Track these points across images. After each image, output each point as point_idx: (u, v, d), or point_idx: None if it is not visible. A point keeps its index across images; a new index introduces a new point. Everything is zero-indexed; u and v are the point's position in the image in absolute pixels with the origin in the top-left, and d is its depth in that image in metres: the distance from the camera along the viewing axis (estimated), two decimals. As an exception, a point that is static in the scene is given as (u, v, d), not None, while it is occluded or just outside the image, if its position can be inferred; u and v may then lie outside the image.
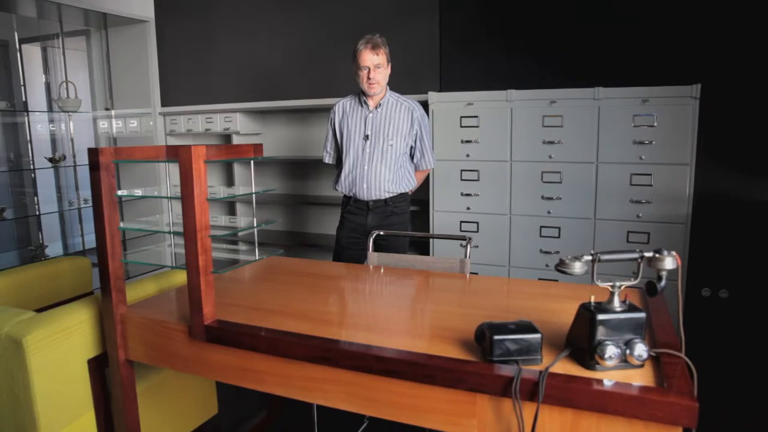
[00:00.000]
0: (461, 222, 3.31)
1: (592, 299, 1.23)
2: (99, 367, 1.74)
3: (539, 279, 3.12)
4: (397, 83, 3.67)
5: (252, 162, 1.65)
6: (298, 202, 4.15)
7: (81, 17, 4.19)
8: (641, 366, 1.19)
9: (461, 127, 3.22)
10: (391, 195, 2.71)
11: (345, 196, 2.81)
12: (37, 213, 4.36)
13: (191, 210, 1.41)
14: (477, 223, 3.27)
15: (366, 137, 2.68)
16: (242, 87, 4.25)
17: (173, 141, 4.54)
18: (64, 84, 4.27)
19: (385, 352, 1.25)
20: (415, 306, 1.75)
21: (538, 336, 1.22)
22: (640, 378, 1.15)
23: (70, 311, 1.68)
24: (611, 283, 1.21)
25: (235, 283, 1.93)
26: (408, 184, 2.77)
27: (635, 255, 1.21)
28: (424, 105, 3.36)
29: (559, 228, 3.06)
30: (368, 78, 2.56)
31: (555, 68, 3.21)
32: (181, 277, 2.06)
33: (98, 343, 1.73)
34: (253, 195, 1.65)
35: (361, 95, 2.70)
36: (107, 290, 1.61)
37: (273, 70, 4.13)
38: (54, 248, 4.48)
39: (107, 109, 4.37)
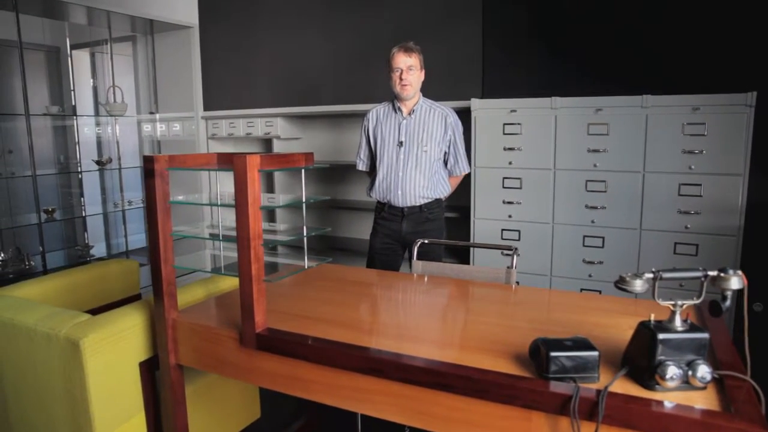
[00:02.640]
0: (502, 230, 3.27)
1: (652, 317, 1.20)
2: (150, 369, 1.79)
3: (581, 289, 3.07)
4: (440, 90, 3.66)
5: (303, 171, 1.67)
6: (331, 206, 4.18)
7: (128, 23, 4.32)
8: (704, 388, 1.15)
9: (504, 134, 3.19)
10: (426, 201, 2.71)
11: (379, 202, 2.82)
12: (83, 214, 4.51)
13: (245, 218, 1.43)
14: (519, 231, 3.23)
15: (400, 143, 2.69)
16: (283, 92, 4.30)
17: (215, 145, 4.63)
18: (111, 89, 4.40)
19: (438, 365, 1.25)
20: (462, 317, 1.74)
21: (595, 354, 1.19)
22: (702, 401, 1.11)
23: (123, 315, 1.73)
24: (672, 302, 1.17)
25: (282, 290, 1.95)
26: (443, 190, 2.77)
27: (699, 273, 1.17)
28: (467, 112, 3.35)
29: (603, 238, 3.00)
30: (401, 79, 2.59)
31: (601, 75, 3.15)
32: (227, 283, 2.09)
33: (149, 347, 1.77)
34: (304, 204, 1.66)
35: (395, 102, 2.72)
36: (159, 295, 1.65)
37: (313, 75, 4.17)
38: (99, 248, 4.61)
39: (152, 113, 4.48)
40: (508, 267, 2.10)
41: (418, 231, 2.70)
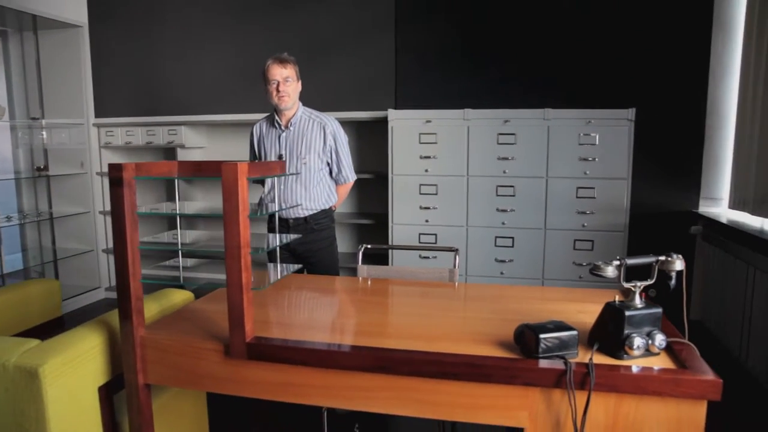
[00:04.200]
0: (420, 234, 3.46)
1: (617, 298, 1.41)
2: (108, 394, 1.66)
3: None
4: (354, 100, 3.78)
5: (275, 179, 1.67)
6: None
7: (-2, 17, 3.84)
8: (658, 354, 1.38)
9: (420, 143, 3.39)
10: (311, 213, 2.67)
11: (269, 215, 2.75)
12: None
13: (235, 227, 1.42)
14: (435, 234, 3.44)
15: (280, 157, 2.67)
16: (185, 99, 4.12)
17: (109, 154, 4.29)
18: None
19: (445, 357, 1.35)
20: (437, 314, 1.84)
21: (575, 333, 1.37)
22: (661, 363, 1.34)
23: (80, 337, 1.59)
24: (633, 283, 1.40)
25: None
26: (327, 200, 2.74)
27: (652, 259, 1.41)
28: (382, 122, 3.50)
29: (513, 238, 3.31)
30: (278, 91, 2.56)
31: (508, 89, 3.49)
32: (179, 297, 2.00)
33: (107, 370, 1.65)
34: (277, 213, 1.67)
35: (274, 115, 2.68)
36: (127, 312, 1.55)
37: (219, 83, 4.05)
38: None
39: (34, 118, 4.02)
40: (450, 268, 2.27)
41: (306, 241, 2.66)
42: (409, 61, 3.68)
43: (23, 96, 4.23)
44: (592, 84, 3.36)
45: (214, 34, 4.00)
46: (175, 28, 4.07)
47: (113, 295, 4.34)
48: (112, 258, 4.40)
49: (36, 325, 2.11)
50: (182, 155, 4.08)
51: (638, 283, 1.40)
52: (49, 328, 2.15)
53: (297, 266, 1.78)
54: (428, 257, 3.45)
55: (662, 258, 1.41)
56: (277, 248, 1.68)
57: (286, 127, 2.66)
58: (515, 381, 1.31)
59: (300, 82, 2.65)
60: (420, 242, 3.48)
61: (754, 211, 2.83)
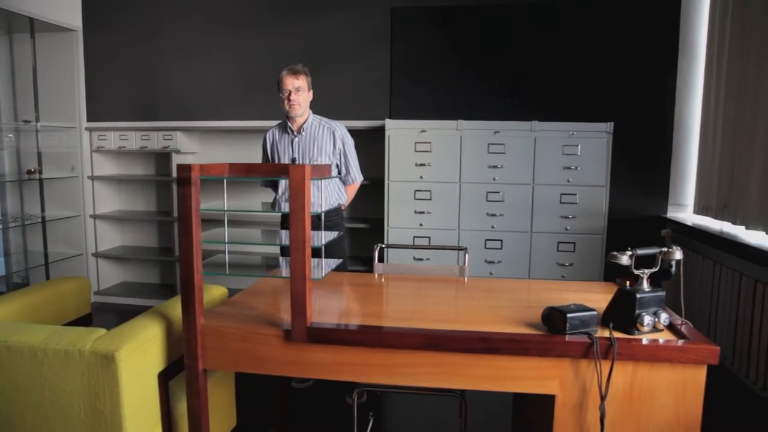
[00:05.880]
0: (414, 237, 3.67)
1: (628, 284, 1.66)
2: (165, 380, 1.78)
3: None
4: (349, 109, 3.97)
5: (321, 182, 1.84)
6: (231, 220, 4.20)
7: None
8: (662, 330, 1.64)
9: (415, 151, 3.61)
10: (323, 210, 2.86)
11: (282, 214, 2.99)
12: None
13: (301, 223, 1.58)
14: (429, 237, 3.66)
15: (293, 160, 2.87)
16: (181, 105, 4.20)
17: (101, 159, 4.31)
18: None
19: (491, 334, 1.56)
20: (464, 303, 2.05)
21: (594, 313, 1.61)
22: (666, 337, 1.59)
23: (143, 326, 1.71)
24: (641, 271, 1.65)
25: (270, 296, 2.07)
26: (338, 199, 2.95)
27: (656, 250, 1.67)
28: (378, 131, 3.71)
29: (502, 240, 3.57)
30: (289, 100, 2.76)
31: (499, 102, 3.77)
32: (217, 291, 2.14)
33: (165, 357, 1.77)
34: (323, 213, 1.84)
35: (286, 121, 2.88)
36: (190, 302, 1.68)
37: (215, 91, 4.16)
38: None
39: (26, 121, 4.00)
40: (461, 265, 2.49)
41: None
42: (403, 73, 3.90)
43: (11, 98, 4.21)
44: (575, 100, 3.69)
45: (211, 41, 4.11)
46: (171, 35, 4.16)
47: (102, 299, 4.34)
48: (101, 262, 4.40)
49: (71, 320, 2.19)
50: (177, 160, 4.15)
51: (645, 270, 1.66)
52: (83, 323, 2.23)
53: (338, 261, 1.96)
54: (422, 258, 3.67)
55: (665, 249, 1.67)
56: (322, 245, 1.85)
57: (298, 132, 2.84)
58: (549, 354, 1.53)
59: (311, 92, 2.84)
60: (414, 245, 3.68)
61: (716, 216, 3.19)
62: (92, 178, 4.28)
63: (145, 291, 4.37)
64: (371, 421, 2.60)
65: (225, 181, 1.90)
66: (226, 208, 1.91)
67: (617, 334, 1.58)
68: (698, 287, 3.13)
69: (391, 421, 2.77)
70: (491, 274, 3.60)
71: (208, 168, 1.78)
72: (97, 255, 4.34)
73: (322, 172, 1.76)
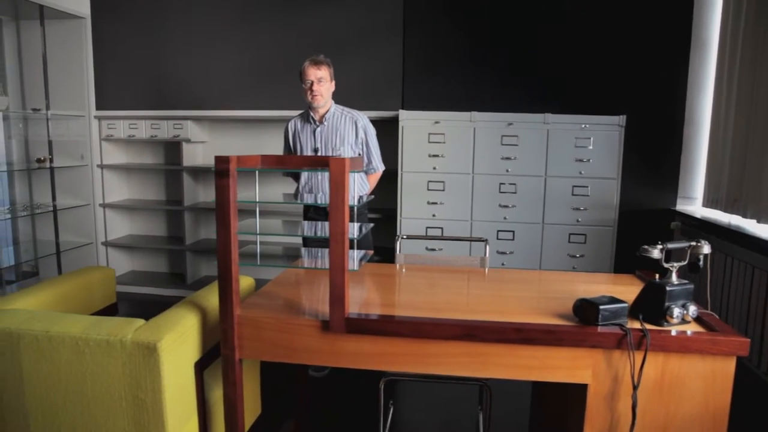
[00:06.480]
0: (427, 228, 3.70)
1: (657, 277, 1.70)
2: (200, 370, 1.81)
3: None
4: (362, 101, 3.98)
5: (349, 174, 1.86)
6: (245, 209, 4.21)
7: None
8: (690, 322, 1.68)
9: (429, 142, 3.63)
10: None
11: (305, 205, 3.03)
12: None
13: (340, 215, 1.61)
14: (441, 228, 3.69)
15: (315, 150, 2.89)
16: (191, 94, 4.19)
17: (110, 147, 4.29)
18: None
19: (525, 325, 1.59)
20: (491, 293, 2.08)
21: (625, 305, 1.65)
22: (695, 328, 1.63)
23: (180, 316, 1.74)
24: (671, 264, 1.69)
25: (305, 287, 2.10)
26: (361, 188, 3.00)
27: (685, 244, 1.71)
28: (391, 121, 3.72)
29: (514, 231, 3.61)
30: (311, 90, 2.79)
31: (512, 94, 3.79)
32: (244, 282, 2.16)
33: (200, 347, 1.80)
34: (355, 204, 1.86)
35: (309, 111, 2.90)
36: (227, 293, 1.71)
37: (225, 80, 4.15)
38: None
39: (35, 109, 3.98)
40: (481, 257, 2.52)
41: None
42: (416, 64, 3.91)
43: (19, 86, 4.17)
44: (588, 93, 3.71)
45: (222, 30, 4.09)
46: (181, 22, 4.13)
47: (111, 288, 4.34)
48: (111, 251, 4.40)
49: (99, 310, 2.21)
50: (187, 149, 4.15)
51: (675, 264, 1.69)
52: (109, 313, 2.25)
53: (370, 252, 1.99)
54: (434, 249, 3.70)
55: (694, 243, 1.71)
56: (355, 239, 1.87)
57: (320, 122, 2.86)
58: (583, 344, 1.57)
59: (333, 82, 2.86)
60: (426, 235, 3.71)
61: (726, 209, 3.24)
62: (101, 166, 4.27)
63: (155, 280, 4.38)
64: (392, 410, 2.65)
65: (257, 172, 1.92)
66: (258, 200, 1.93)
67: (648, 326, 1.62)
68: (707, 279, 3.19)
69: (412, 408, 2.81)
70: (503, 264, 3.64)
71: (244, 160, 1.79)
72: (106, 244, 4.34)
73: (356, 165, 1.78)
